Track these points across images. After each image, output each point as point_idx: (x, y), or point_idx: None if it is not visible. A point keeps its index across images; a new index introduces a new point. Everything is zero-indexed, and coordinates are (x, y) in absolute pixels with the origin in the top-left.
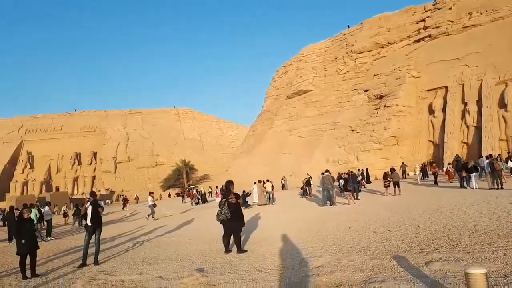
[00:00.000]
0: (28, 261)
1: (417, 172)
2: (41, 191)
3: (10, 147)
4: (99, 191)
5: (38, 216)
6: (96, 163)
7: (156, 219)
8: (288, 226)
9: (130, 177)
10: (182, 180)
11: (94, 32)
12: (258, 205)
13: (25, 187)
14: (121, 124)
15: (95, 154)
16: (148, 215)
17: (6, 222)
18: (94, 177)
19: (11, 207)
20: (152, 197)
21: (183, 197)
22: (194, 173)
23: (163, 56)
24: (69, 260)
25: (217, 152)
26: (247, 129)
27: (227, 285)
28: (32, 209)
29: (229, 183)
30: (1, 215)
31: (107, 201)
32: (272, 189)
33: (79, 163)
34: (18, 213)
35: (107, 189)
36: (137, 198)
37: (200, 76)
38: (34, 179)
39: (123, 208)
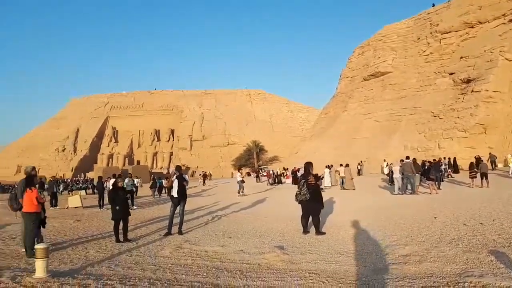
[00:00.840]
0: (120, 226)
1: (510, 164)
2: (124, 164)
3: (97, 122)
4: None
5: (125, 186)
6: (173, 140)
7: (245, 195)
8: (366, 212)
9: (204, 155)
10: (252, 160)
11: (174, 13)
12: (344, 189)
13: (110, 159)
14: (196, 104)
15: (172, 132)
16: (239, 191)
17: (96, 190)
18: (171, 153)
19: (100, 177)
20: (241, 173)
21: (257, 176)
22: (264, 154)
23: (236, 38)
24: (154, 229)
25: (286, 134)
26: (318, 112)
27: (309, 265)
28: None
29: (308, 165)
30: (91, 184)
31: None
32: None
33: (158, 139)
34: (112, 182)
35: (183, 165)
36: (209, 175)
37: (272, 57)
38: (118, 153)
39: (203, 184)
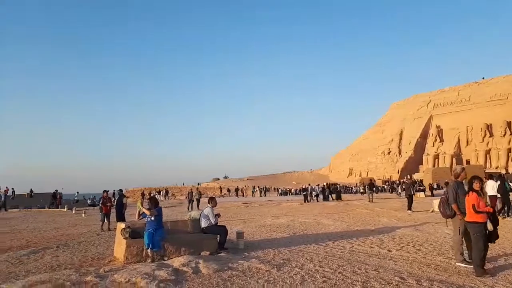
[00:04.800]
0: None
1: None
2: (451, 164)
3: (421, 122)
4: None
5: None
6: (510, 134)
7: None
8: None
9: None
10: None
11: None
12: None
13: (436, 160)
14: None
15: (509, 124)
16: None
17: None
18: (509, 150)
19: (501, 176)
20: None
21: None
22: None
23: None
24: None
25: None
26: None
27: None
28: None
29: None
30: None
31: None
32: None
33: (491, 135)
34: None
35: None
36: None
37: None
38: (444, 152)
39: None
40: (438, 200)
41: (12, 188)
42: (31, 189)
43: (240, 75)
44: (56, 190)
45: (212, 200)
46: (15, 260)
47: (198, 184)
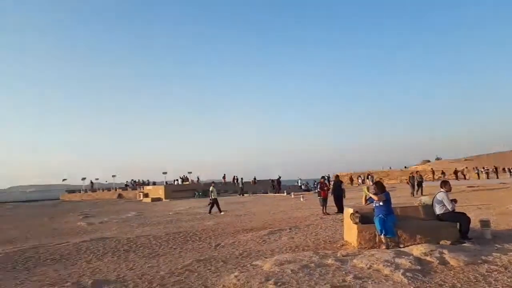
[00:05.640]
0: None
1: None
2: None
3: None
4: None
5: None
6: None
7: None
8: None
9: None
10: None
11: None
12: None
13: None
14: None
15: None
16: None
17: None
18: None
19: None
20: None
21: None
22: None
23: None
24: None
25: None
26: None
27: None
28: None
29: None
30: None
31: None
32: None
33: None
34: None
35: None
36: None
37: None
38: None
39: None
40: None
41: (241, 178)
42: (254, 176)
43: None
44: (279, 176)
45: (445, 184)
46: (259, 239)
47: (405, 167)
